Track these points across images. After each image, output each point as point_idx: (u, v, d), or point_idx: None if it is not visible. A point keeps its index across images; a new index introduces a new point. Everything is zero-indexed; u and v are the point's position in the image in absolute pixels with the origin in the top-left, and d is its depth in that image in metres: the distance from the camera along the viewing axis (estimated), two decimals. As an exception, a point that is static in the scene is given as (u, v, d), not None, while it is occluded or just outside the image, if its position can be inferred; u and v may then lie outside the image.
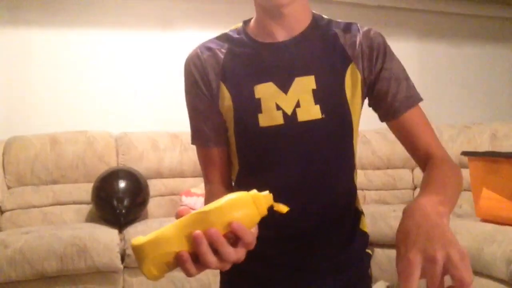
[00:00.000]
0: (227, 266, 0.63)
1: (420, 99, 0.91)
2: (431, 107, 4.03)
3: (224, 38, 0.93)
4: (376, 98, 0.89)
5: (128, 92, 3.27)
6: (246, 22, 0.95)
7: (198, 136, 0.92)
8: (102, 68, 3.22)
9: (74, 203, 2.82)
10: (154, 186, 2.93)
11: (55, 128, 2.95)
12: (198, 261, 0.61)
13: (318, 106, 0.85)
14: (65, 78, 3.14)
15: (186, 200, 2.78)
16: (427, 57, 4.02)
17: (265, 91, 0.86)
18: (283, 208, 0.67)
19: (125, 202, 2.61)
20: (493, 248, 2.05)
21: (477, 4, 4.01)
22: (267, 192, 0.65)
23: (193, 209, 2.73)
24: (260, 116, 0.85)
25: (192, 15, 3.40)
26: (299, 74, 0.87)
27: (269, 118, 0.85)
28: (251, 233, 0.63)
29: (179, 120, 3.07)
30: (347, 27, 0.91)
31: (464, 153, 2.56)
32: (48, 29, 3.12)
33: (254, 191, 0.65)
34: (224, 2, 3.41)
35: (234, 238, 0.62)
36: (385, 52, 0.89)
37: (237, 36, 0.92)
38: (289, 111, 0.85)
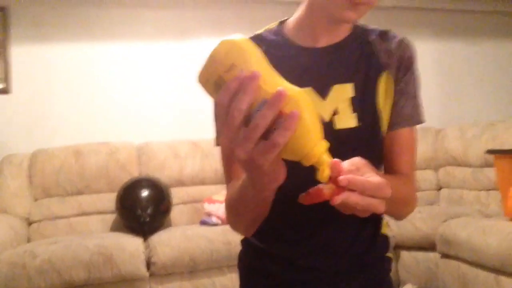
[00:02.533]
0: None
1: (421, 122, 0.92)
2: (451, 106, 4.01)
3: (258, 39, 0.90)
4: None
5: (148, 102, 3.31)
6: (282, 23, 0.93)
7: None
8: (121, 80, 3.28)
9: (99, 213, 2.87)
10: (177, 194, 2.95)
11: (78, 140, 3.01)
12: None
13: (355, 115, 0.85)
14: (86, 91, 3.21)
15: (208, 207, 2.79)
16: (446, 56, 3.96)
17: None
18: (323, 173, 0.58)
19: (149, 211, 2.64)
20: (524, 248, 1.99)
21: (493, 1, 3.94)
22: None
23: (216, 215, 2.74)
24: None
25: (208, 23, 3.43)
26: (338, 81, 0.86)
27: None
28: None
29: (198, 128, 3.13)
30: (383, 35, 0.91)
31: (490, 151, 2.51)
32: (69, 44, 3.19)
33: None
34: (239, 9, 3.44)
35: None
36: (411, 65, 0.90)
37: (273, 37, 0.91)
38: (327, 118, 0.85)
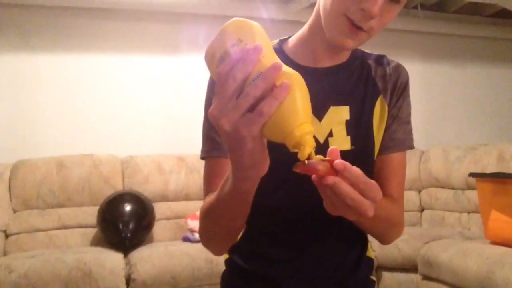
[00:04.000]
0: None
1: (412, 147, 0.94)
2: (436, 128, 4.07)
3: None
4: None
5: (135, 116, 3.29)
6: (283, 41, 0.94)
7: (216, 147, 0.87)
8: (108, 92, 3.26)
9: (80, 226, 2.81)
10: (160, 209, 2.92)
11: (62, 151, 2.96)
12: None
13: (349, 137, 0.86)
14: (72, 103, 3.18)
15: (191, 223, 2.76)
16: (432, 78, 4.04)
17: None
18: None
19: (131, 226, 2.60)
20: (505, 271, 2.01)
21: (479, 26, 4.05)
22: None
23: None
24: None
25: (198, 39, 3.44)
26: (335, 103, 0.87)
27: None
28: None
29: (185, 143, 3.11)
30: (378, 60, 0.93)
31: (472, 175, 2.54)
32: (56, 54, 3.17)
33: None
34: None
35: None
36: (405, 91, 0.92)
37: None
38: (321, 139, 0.85)
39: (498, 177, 2.40)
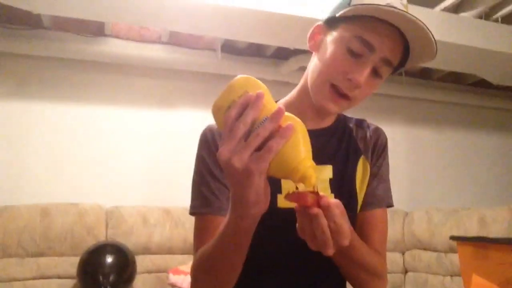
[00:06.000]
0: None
1: (391, 205, 1.00)
2: (420, 190, 4.13)
3: None
4: None
5: (123, 166, 3.31)
6: None
7: (207, 204, 0.88)
8: (98, 142, 3.29)
9: (59, 277, 2.75)
10: (142, 262, 2.88)
11: (48, 199, 2.95)
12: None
13: (333, 195, 0.90)
14: (61, 150, 3.20)
15: (173, 278, 2.72)
16: (415, 141, 4.16)
17: None
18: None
19: (111, 278, 2.55)
20: (486, 337, 2.00)
21: (460, 94, 4.23)
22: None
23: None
24: (279, 196, 0.87)
25: (188, 95, 3.54)
26: (319, 162, 0.91)
27: None
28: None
29: (171, 196, 3.12)
30: (359, 123, 1.01)
31: (453, 238, 2.56)
32: (48, 103, 3.22)
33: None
34: (220, 83, 3.57)
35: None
36: (384, 151, 0.99)
37: None
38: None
39: (479, 241, 2.43)
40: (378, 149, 0.98)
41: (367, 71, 0.83)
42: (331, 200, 0.65)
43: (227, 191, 0.87)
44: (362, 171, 0.95)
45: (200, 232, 0.89)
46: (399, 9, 0.79)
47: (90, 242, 2.78)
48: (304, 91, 0.93)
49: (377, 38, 0.82)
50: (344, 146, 0.96)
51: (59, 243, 2.79)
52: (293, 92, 0.97)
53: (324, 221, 0.63)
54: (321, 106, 0.89)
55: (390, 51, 0.84)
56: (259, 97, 0.61)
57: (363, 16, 0.83)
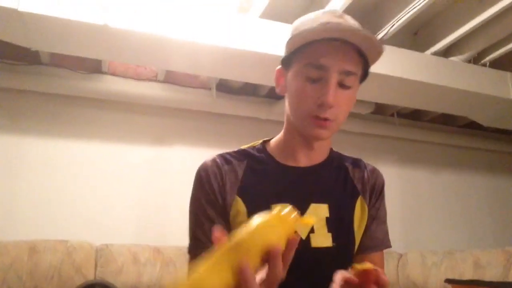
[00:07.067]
0: None
1: (389, 246, 1.00)
2: (414, 231, 4.10)
3: (242, 154, 0.97)
4: None
5: (114, 204, 3.27)
6: (266, 142, 1.01)
7: (201, 245, 0.88)
8: (89, 179, 3.26)
9: (43, 317, 2.66)
10: (130, 302, 2.80)
11: (36, 235, 2.89)
12: None
13: (330, 234, 0.90)
14: (51, 186, 3.16)
15: (162, 319, 2.64)
16: (408, 182, 4.16)
17: None
18: (309, 220, 0.66)
19: (98, 319, 2.48)
20: None
21: (451, 135, 4.29)
22: (290, 207, 0.64)
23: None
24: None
25: (181, 133, 3.56)
26: (315, 200, 0.91)
27: None
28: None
29: (163, 235, 3.08)
30: (355, 163, 1.01)
31: (448, 281, 2.54)
32: (40, 139, 3.21)
33: (278, 209, 0.64)
34: (213, 121, 3.61)
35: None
36: (381, 193, 0.99)
37: (257, 154, 0.97)
38: (303, 235, 0.88)
39: (474, 285, 2.40)
40: (376, 191, 0.98)
41: (332, 89, 0.85)
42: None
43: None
44: (360, 212, 0.95)
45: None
46: (334, 22, 0.82)
47: (78, 281, 2.70)
48: (290, 130, 0.96)
49: (326, 57, 0.84)
50: (340, 185, 0.97)
51: (46, 281, 2.72)
52: (281, 133, 0.99)
53: None
54: (312, 136, 0.91)
55: (345, 62, 0.85)
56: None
57: (307, 43, 0.85)
